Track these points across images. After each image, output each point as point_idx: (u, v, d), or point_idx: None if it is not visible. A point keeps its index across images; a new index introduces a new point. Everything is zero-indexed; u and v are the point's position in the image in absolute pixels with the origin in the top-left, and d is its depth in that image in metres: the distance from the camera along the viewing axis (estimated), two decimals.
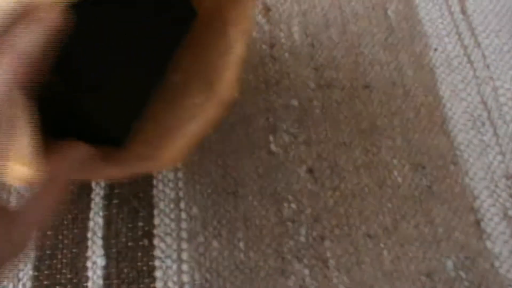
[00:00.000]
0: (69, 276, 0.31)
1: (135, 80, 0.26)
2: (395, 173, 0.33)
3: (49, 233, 0.32)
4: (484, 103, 0.35)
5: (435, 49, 0.37)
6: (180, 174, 0.33)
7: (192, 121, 0.25)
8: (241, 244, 0.31)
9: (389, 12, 0.38)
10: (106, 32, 0.24)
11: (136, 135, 0.26)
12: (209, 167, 0.33)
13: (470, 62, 0.36)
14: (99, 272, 0.30)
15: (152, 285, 0.30)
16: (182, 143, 0.25)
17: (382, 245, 0.31)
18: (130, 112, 0.26)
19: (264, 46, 0.37)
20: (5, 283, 0.31)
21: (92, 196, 0.32)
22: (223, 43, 0.27)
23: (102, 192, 0.32)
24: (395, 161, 0.33)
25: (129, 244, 0.31)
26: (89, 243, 0.31)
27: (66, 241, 0.32)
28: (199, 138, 0.25)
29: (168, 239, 0.31)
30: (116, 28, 0.25)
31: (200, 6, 0.28)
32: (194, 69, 0.28)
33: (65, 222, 0.32)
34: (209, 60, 0.28)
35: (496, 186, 0.32)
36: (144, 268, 0.30)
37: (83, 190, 0.33)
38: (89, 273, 0.30)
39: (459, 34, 0.37)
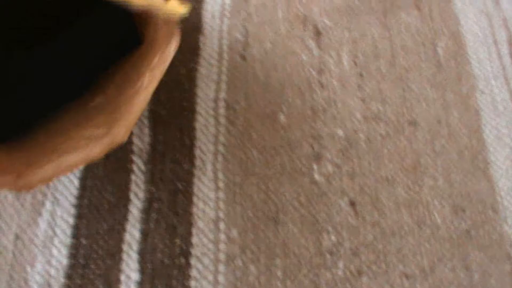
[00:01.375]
0: None
1: (45, 87, 0.27)
2: (435, 214, 0.33)
3: (83, 241, 0.31)
4: None
5: (482, 92, 0.37)
6: (221, 194, 0.32)
7: (73, 153, 0.24)
8: (279, 272, 0.30)
9: (438, 48, 0.38)
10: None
11: (24, 144, 0.26)
12: (251, 190, 0.32)
13: None
14: (133, 287, 0.30)
15: None
16: (51, 171, 0.23)
17: (418, 286, 0.31)
18: (20, 114, 0.27)
19: (312, 71, 0.36)
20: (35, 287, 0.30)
21: (130, 207, 0.32)
22: (135, 85, 0.26)
23: (140, 205, 0.32)
24: (436, 201, 0.33)
25: (165, 261, 0.31)
26: (124, 256, 0.31)
27: (100, 252, 0.31)
28: (70, 171, 0.23)
29: (206, 260, 0.31)
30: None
31: (144, 38, 0.28)
32: (112, 100, 0.27)
33: (100, 232, 0.31)
34: (122, 97, 0.26)
35: None
36: (179, 287, 0.30)
37: (120, 201, 0.32)
38: (122, 287, 0.30)
39: (506, 78, 0.37)
